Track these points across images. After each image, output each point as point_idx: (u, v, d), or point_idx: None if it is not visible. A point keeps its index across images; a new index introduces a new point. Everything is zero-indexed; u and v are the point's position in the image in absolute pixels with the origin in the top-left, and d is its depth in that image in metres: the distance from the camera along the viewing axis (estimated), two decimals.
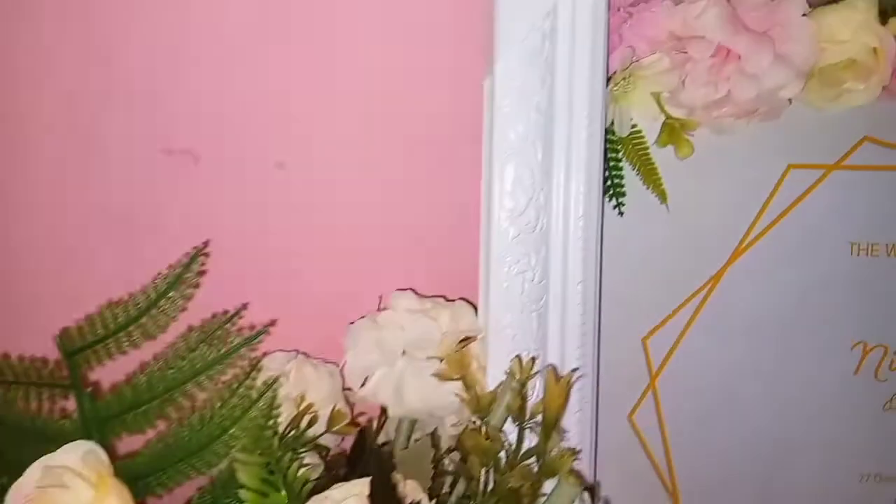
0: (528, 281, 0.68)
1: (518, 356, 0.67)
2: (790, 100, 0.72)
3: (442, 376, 0.66)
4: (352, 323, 0.72)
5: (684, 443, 0.80)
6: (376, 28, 0.75)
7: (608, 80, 0.70)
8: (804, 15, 0.70)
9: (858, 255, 0.78)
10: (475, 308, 0.72)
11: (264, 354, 0.74)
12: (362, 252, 0.77)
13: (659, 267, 0.78)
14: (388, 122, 0.76)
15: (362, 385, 0.70)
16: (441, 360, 0.66)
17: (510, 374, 0.66)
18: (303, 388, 0.70)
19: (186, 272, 0.69)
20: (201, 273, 0.71)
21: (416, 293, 0.73)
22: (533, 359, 0.68)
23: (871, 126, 0.76)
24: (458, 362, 0.67)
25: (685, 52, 0.70)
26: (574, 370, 0.70)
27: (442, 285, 0.75)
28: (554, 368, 0.69)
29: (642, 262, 0.78)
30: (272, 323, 0.74)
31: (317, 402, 0.69)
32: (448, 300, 0.74)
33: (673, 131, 0.75)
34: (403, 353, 0.68)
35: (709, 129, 0.75)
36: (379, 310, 0.72)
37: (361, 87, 0.75)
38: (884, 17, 0.71)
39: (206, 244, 0.72)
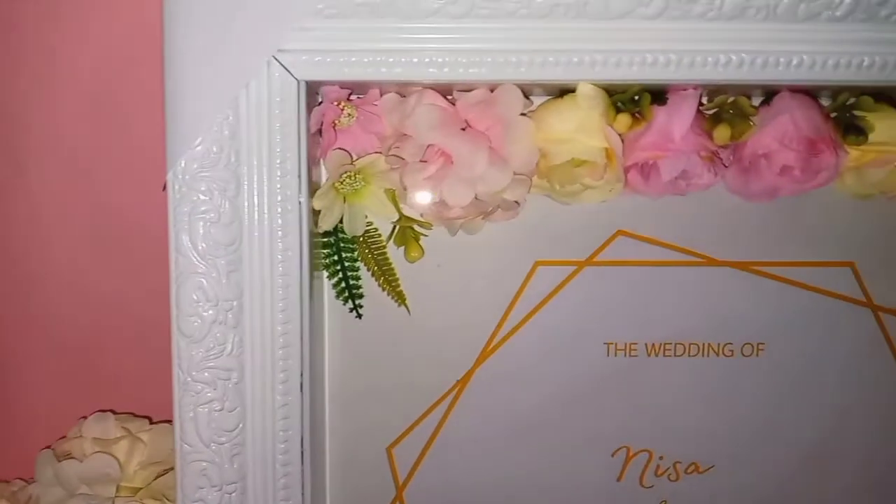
0: (216, 410, 0.62)
1: None
2: (516, 201, 0.66)
3: None
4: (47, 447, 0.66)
5: None
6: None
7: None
8: (524, 114, 0.64)
9: (616, 355, 0.73)
10: None
11: None
12: None
13: (402, 372, 0.72)
14: None
15: None
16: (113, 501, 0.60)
17: None
18: None
19: None
20: None
21: (115, 414, 0.67)
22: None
23: (624, 219, 0.71)
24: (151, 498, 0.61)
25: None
26: None
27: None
28: None
29: (384, 368, 0.72)
30: None
31: None
32: (154, 422, 0.68)
33: (405, 232, 0.69)
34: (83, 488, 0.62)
35: (440, 229, 0.69)
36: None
37: None
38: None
39: None
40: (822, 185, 0.67)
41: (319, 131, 0.66)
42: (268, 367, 0.62)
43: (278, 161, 0.61)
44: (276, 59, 0.59)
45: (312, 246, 0.65)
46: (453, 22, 0.59)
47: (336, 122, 0.66)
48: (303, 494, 0.65)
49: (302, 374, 0.63)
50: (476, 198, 0.64)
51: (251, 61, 0.59)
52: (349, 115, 0.66)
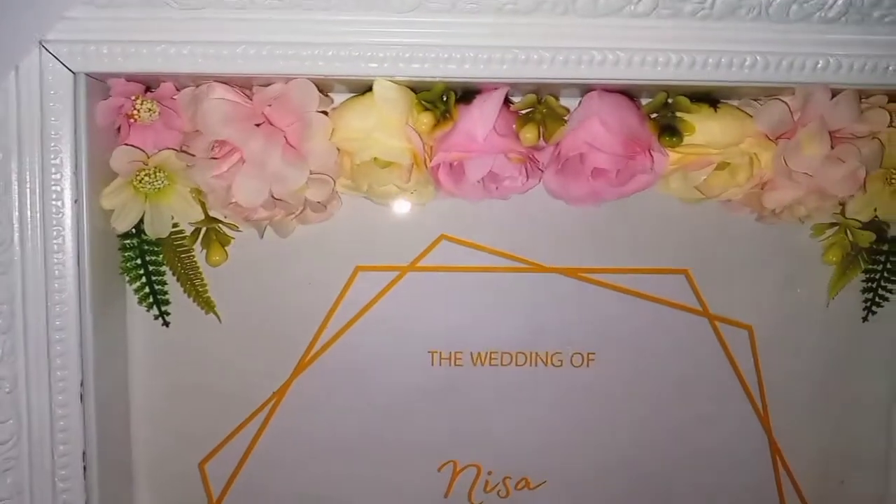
0: None
1: None
2: (320, 202, 0.63)
3: None
4: None
5: None
6: None
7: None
8: (325, 111, 0.61)
9: (440, 364, 0.70)
10: None
11: None
12: None
13: (215, 383, 0.69)
14: None
15: None
16: None
17: None
18: None
19: None
20: None
21: None
22: None
23: (448, 223, 0.68)
24: None
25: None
26: None
27: None
28: None
29: (195, 378, 0.69)
30: None
31: None
32: None
33: (208, 234, 0.66)
34: None
35: (253, 231, 0.66)
36: None
37: None
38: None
39: None
40: (643, 188, 0.65)
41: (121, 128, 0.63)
42: (43, 376, 0.59)
43: (53, 157, 0.57)
44: (46, 49, 0.56)
45: (104, 248, 0.62)
46: (232, 12, 0.56)
47: (135, 117, 0.62)
48: None
49: (82, 384, 0.60)
50: (274, 197, 0.61)
51: (14, 50, 0.55)
52: (149, 110, 0.62)
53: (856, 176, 0.63)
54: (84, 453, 0.61)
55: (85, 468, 0.61)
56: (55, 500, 0.60)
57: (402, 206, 0.67)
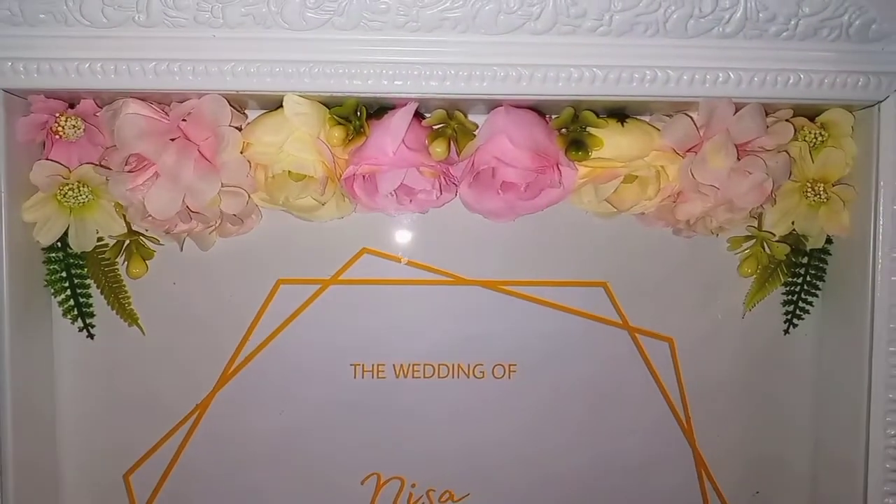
0: None
1: None
2: (235, 215, 0.65)
3: None
4: None
5: None
6: None
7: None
8: (239, 126, 0.63)
9: (363, 376, 0.70)
10: None
11: None
12: None
13: (138, 395, 0.70)
14: None
15: None
16: None
17: None
18: None
19: None
20: None
21: None
22: None
23: (369, 236, 0.69)
24: None
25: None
26: None
27: None
28: None
29: (119, 391, 0.70)
30: None
31: None
32: None
33: (129, 247, 0.67)
34: None
35: (174, 245, 0.67)
36: None
37: None
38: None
39: None
40: (555, 202, 0.66)
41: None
42: None
43: None
44: None
45: (27, 261, 0.64)
46: (142, 31, 0.58)
47: (59, 133, 0.64)
48: None
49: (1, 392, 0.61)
50: (190, 210, 0.62)
51: None
52: (74, 126, 0.64)
53: (762, 188, 0.64)
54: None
55: (1, 479, 0.61)
56: None
57: (321, 220, 0.68)
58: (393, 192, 0.63)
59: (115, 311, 0.68)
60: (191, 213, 0.63)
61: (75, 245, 0.66)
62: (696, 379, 0.72)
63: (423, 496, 0.72)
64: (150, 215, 0.63)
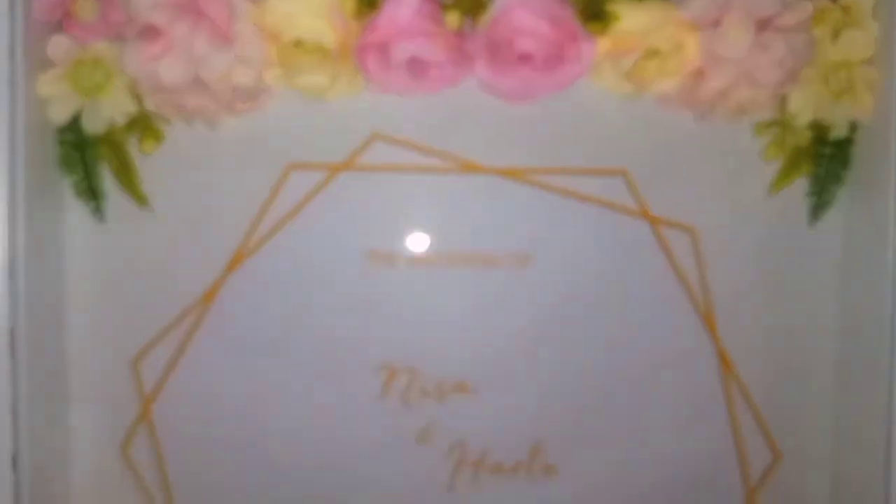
0: None
1: None
2: (250, 90, 0.64)
3: None
4: None
5: (187, 480, 0.70)
6: None
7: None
8: None
9: (376, 265, 0.69)
10: None
11: None
12: None
13: (147, 280, 0.69)
14: None
15: None
16: None
17: None
18: None
19: None
20: None
21: None
22: None
23: (381, 121, 0.68)
24: None
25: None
26: None
27: None
28: None
29: (127, 275, 0.69)
30: None
31: None
32: None
33: (141, 124, 0.67)
34: None
35: (184, 122, 0.67)
36: None
37: None
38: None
39: None
40: (574, 79, 0.65)
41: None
42: None
43: None
44: None
45: (40, 141, 0.64)
46: None
47: (75, 12, 0.64)
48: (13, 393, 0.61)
49: (11, 265, 0.60)
50: (202, 80, 0.62)
51: None
52: (90, 6, 0.64)
53: (784, 64, 0.63)
54: (12, 335, 0.61)
55: (13, 345, 0.61)
56: None
57: (332, 102, 0.67)
58: (406, 66, 0.62)
59: (127, 193, 0.68)
60: (202, 86, 0.63)
61: (88, 125, 0.66)
62: (719, 271, 0.70)
63: (436, 387, 0.70)
64: (163, 90, 0.62)
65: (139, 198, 0.68)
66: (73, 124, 0.66)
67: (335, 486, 0.71)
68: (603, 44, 0.64)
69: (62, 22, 0.65)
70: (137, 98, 0.66)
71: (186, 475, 0.70)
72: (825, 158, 0.70)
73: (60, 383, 0.68)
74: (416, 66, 0.63)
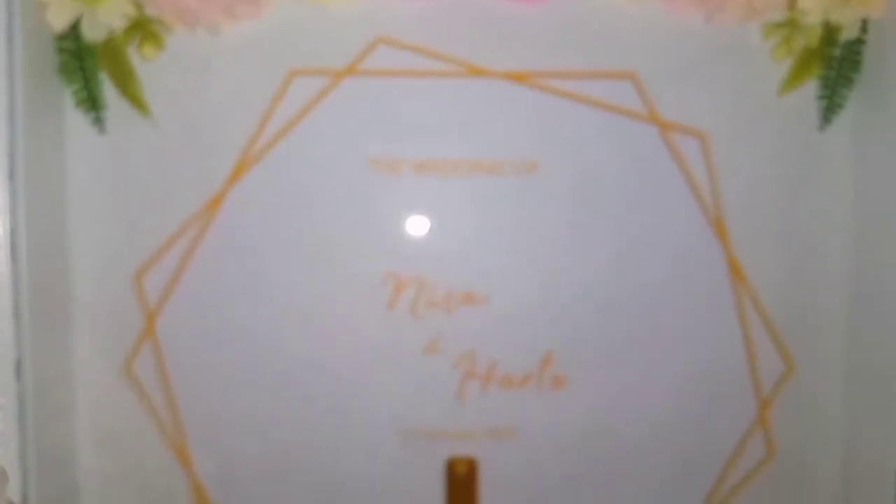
0: None
1: None
2: None
3: None
4: None
5: (192, 396, 0.69)
6: None
7: None
8: None
9: (380, 172, 0.68)
10: None
11: None
12: None
13: (150, 191, 0.68)
14: None
15: None
16: None
17: None
18: None
19: None
20: None
21: None
22: None
23: (385, 25, 0.67)
24: None
25: None
26: None
27: None
28: None
29: (129, 186, 0.68)
30: None
31: None
32: None
33: (142, 29, 0.65)
34: None
35: (185, 29, 0.65)
36: None
37: None
38: None
39: None
40: None
41: None
42: None
43: None
44: None
45: (39, 49, 0.62)
46: None
47: None
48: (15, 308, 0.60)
49: (13, 170, 0.59)
50: None
51: None
52: None
53: None
54: (12, 237, 0.59)
55: (13, 250, 0.59)
56: None
57: (335, 5, 0.65)
58: None
59: (127, 101, 0.66)
60: None
61: (88, 33, 0.64)
62: (730, 178, 0.69)
63: (444, 298, 0.69)
64: None
65: (141, 106, 0.66)
66: (73, 32, 0.65)
67: (342, 396, 0.69)
68: None
69: None
70: (137, 4, 0.64)
71: (191, 391, 0.69)
72: (836, 60, 0.68)
73: (62, 294, 0.67)
74: None
